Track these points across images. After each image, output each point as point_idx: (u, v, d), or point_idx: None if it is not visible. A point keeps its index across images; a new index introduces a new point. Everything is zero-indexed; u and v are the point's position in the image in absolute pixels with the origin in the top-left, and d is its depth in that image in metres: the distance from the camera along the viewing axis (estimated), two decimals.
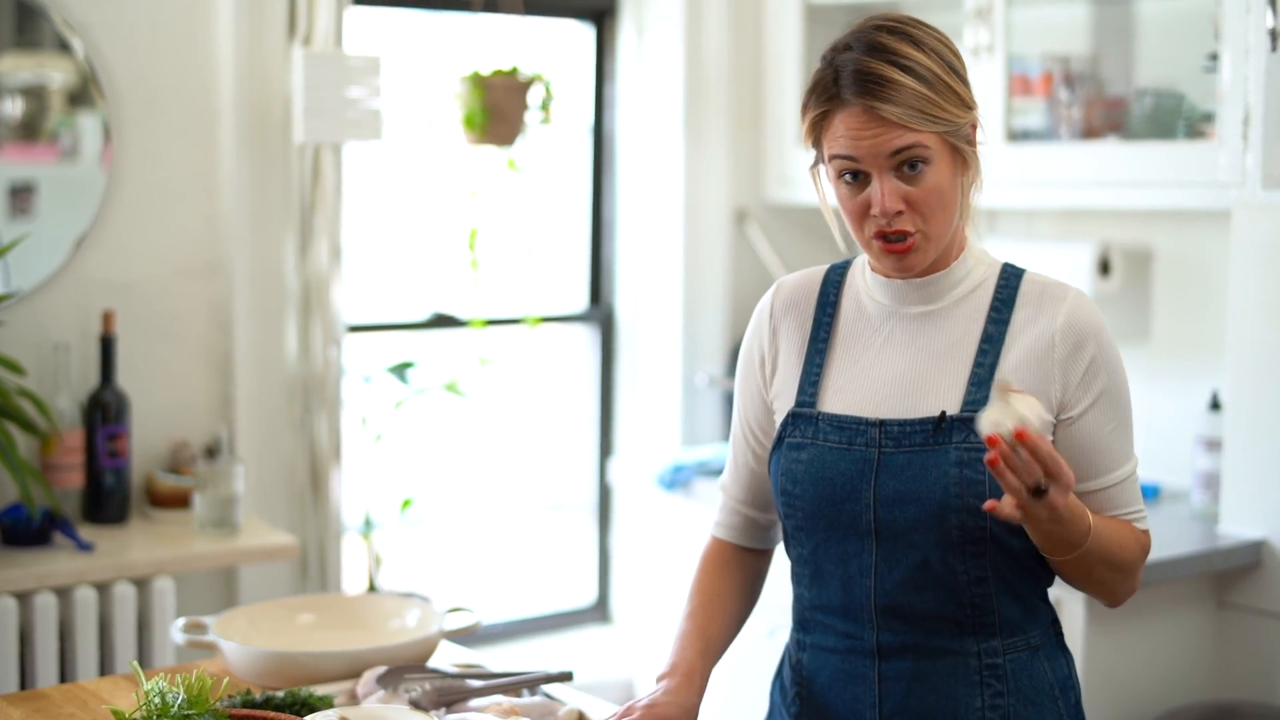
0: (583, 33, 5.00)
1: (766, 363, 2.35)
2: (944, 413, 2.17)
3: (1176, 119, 3.91)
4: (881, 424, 2.20)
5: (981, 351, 2.20)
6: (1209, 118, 3.79)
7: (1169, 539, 3.68)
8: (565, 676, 2.40)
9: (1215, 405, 3.83)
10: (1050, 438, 2.15)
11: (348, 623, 2.72)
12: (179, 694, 2.05)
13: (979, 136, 2.22)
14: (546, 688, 2.41)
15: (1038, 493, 1.98)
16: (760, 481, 2.38)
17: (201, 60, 3.96)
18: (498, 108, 4.38)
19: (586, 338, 5.14)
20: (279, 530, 3.89)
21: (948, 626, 2.18)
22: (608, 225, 5.08)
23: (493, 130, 4.40)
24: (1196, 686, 3.72)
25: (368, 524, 4.45)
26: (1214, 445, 3.79)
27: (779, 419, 2.31)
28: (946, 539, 2.15)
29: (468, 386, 4.67)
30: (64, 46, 3.76)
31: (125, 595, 3.56)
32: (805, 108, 2.19)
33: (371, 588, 4.41)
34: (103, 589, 3.57)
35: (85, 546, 3.54)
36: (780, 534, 2.38)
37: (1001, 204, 4.37)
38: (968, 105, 2.16)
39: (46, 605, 3.46)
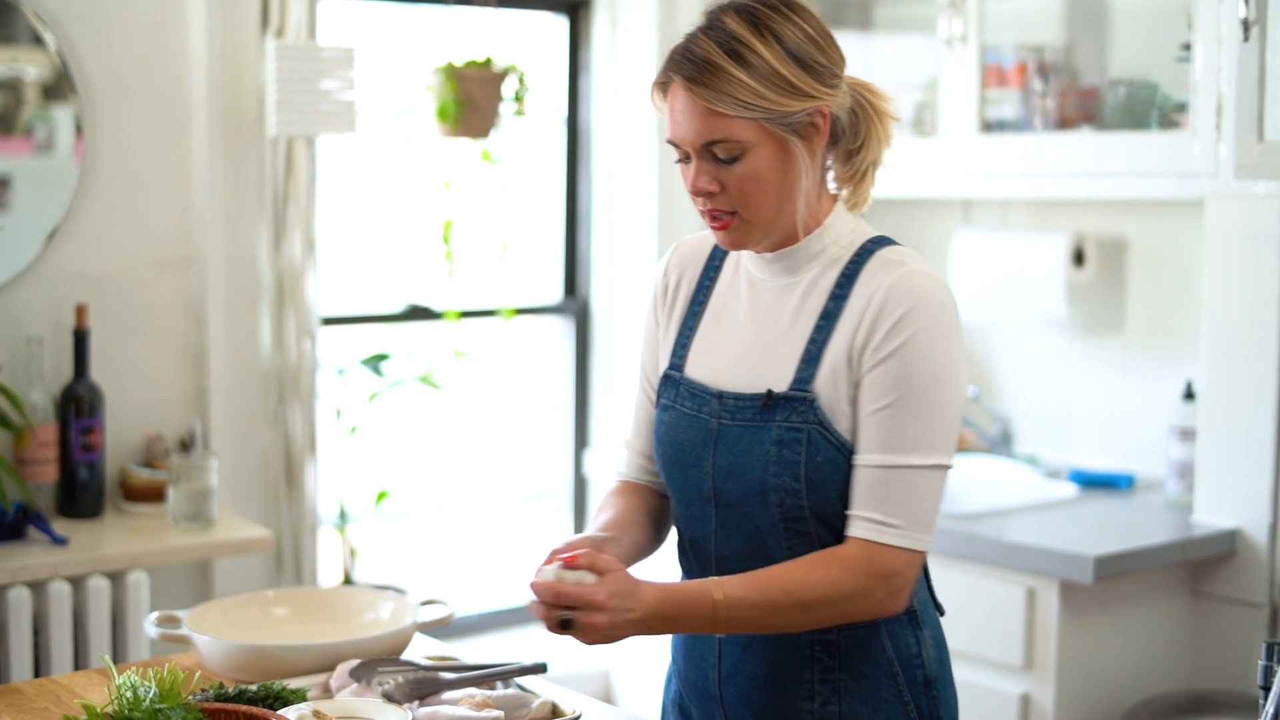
0: (556, 24, 4.99)
1: (661, 321, 2.40)
2: (770, 390, 2.20)
3: (1150, 109, 3.92)
4: (720, 395, 2.25)
5: (817, 328, 2.21)
6: (1182, 108, 3.80)
7: (1143, 529, 3.70)
8: (539, 668, 2.40)
9: (1189, 395, 3.84)
10: None
11: (321, 616, 2.71)
12: (150, 688, 2.05)
13: (838, 117, 2.22)
14: (520, 680, 2.40)
15: (565, 625, 2.06)
16: None
17: (174, 53, 3.95)
18: (472, 100, 4.38)
19: (561, 330, 5.13)
20: (253, 523, 3.88)
21: None
22: (582, 217, 5.07)
23: (467, 122, 4.40)
24: (1171, 675, 3.73)
25: (343, 517, 4.44)
26: (1188, 435, 3.81)
27: (657, 378, 2.38)
28: (770, 515, 2.19)
29: (442, 378, 4.67)
30: (37, 40, 3.74)
31: (99, 589, 3.55)
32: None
33: (347, 580, 4.40)
34: (77, 583, 3.55)
35: (59, 540, 3.53)
36: None
37: (975, 195, 4.38)
38: (807, 94, 2.15)
39: (20, 599, 3.45)
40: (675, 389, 2.31)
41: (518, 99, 4.49)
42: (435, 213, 4.64)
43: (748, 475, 2.18)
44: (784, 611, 2.12)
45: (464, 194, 4.68)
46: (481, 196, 4.72)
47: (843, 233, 2.25)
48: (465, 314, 4.72)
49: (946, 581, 3.73)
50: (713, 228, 2.21)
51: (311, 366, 4.15)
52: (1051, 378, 4.42)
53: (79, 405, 3.71)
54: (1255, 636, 3.63)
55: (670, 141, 2.20)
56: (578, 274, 5.10)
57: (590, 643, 2.09)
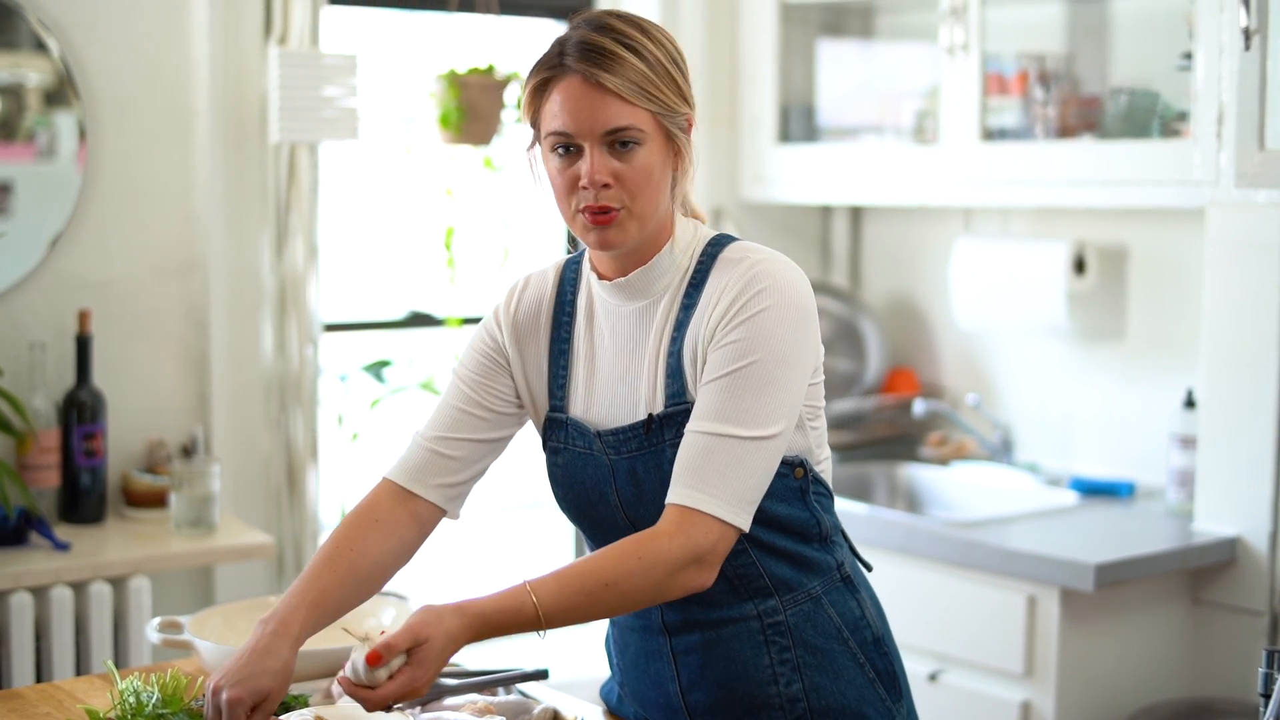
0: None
1: (505, 359, 2.38)
2: (650, 415, 2.22)
3: (1151, 118, 3.92)
4: (599, 434, 2.26)
5: (673, 340, 2.22)
6: (1183, 116, 3.80)
7: (1144, 536, 3.70)
8: (540, 675, 2.40)
9: (1190, 403, 3.84)
10: None
11: None
12: (153, 693, 2.05)
13: (694, 137, 2.26)
14: (522, 686, 2.41)
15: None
16: (466, 421, 2.38)
17: (177, 59, 3.96)
18: (474, 107, 4.38)
19: None
20: (255, 529, 3.88)
21: (723, 597, 2.25)
22: None
23: (469, 129, 4.40)
24: (1171, 683, 3.73)
25: None
26: (1189, 443, 3.81)
27: (538, 422, 2.37)
28: None
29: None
30: (40, 46, 3.75)
31: (101, 594, 3.55)
32: (528, 79, 2.25)
33: None
34: (79, 588, 3.56)
35: (61, 546, 3.53)
36: (457, 505, 2.38)
37: (977, 203, 4.38)
38: (685, 99, 2.20)
39: (22, 604, 3.45)
40: (563, 430, 2.32)
41: (519, 106, 4.49)
42: (437, 220, 4.64)
43: (656, 501, 2.18)
44: (604, 603, 2.12)
45: (466, 201, 4.68)
46: (483, 203, 4.73)
47: (687, 241, 2.28)
48: (467, 321, 4.72)
49: (945, 588, 3.74)
50: (596, 223, 2.17)
51: (313, 373, 4.15)
52: (1052, 385, 4.42)
53: (81, 411, 3.71)
54: (1255, 644, 3.63)
55: (557, 133, 2.18)
56: None
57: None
